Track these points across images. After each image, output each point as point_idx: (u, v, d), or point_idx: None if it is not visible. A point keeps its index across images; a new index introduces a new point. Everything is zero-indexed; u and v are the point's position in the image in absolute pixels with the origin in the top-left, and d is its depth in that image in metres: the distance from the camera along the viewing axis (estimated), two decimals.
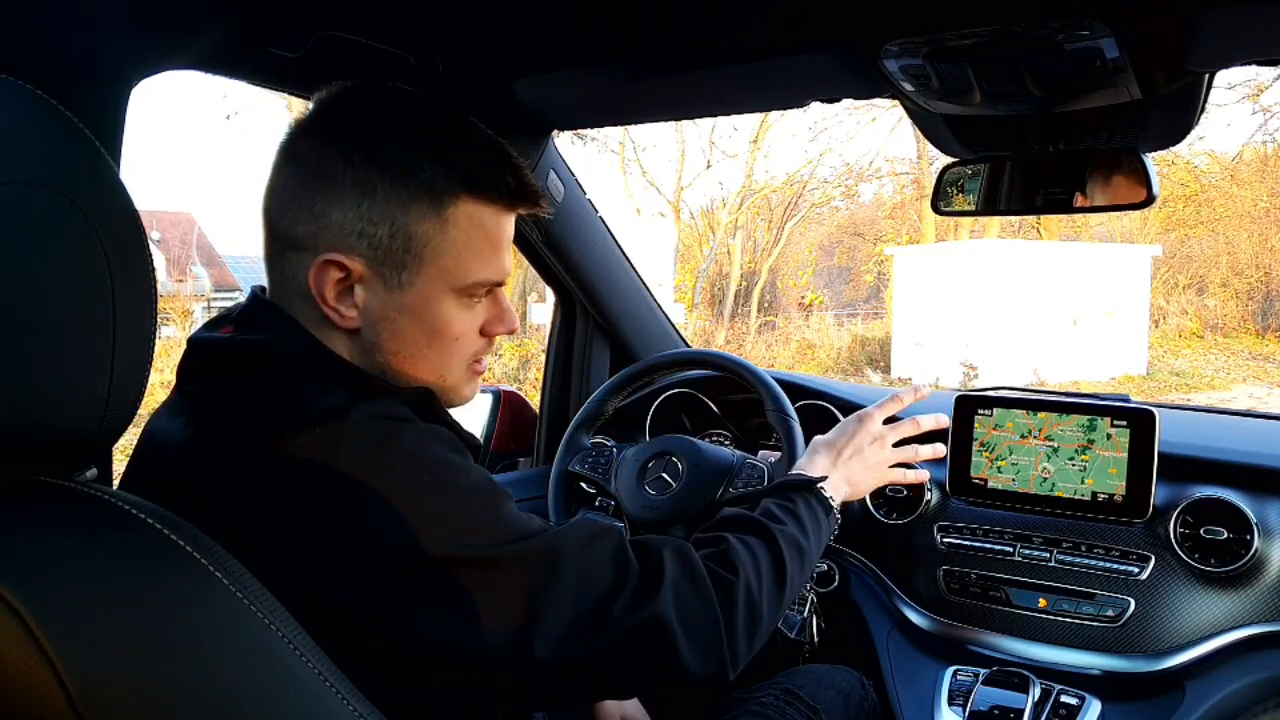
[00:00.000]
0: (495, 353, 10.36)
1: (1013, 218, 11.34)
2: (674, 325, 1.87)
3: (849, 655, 1.35)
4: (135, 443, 0.79)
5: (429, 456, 0.70)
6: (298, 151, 0.75)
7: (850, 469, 1.11)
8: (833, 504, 1.04)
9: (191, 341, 0.77)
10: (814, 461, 1.12)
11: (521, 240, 1.59)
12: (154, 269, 0.60)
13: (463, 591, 0.66)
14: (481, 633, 0.67)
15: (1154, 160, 1.18)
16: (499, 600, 0.68)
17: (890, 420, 1.18)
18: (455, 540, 0.67)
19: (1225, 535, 1.19)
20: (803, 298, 15.54)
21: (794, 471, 1.10)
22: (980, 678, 1.21)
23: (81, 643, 0.49)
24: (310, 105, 0.77)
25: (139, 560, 0.53)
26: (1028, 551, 1.30)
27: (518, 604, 0.68)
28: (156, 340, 0.62)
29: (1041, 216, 10.00)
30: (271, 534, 0.65)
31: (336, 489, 0.66)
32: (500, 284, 0.80)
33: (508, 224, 0.80)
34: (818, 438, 1.17)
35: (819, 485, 1.03)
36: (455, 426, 0.80)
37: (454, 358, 0.79)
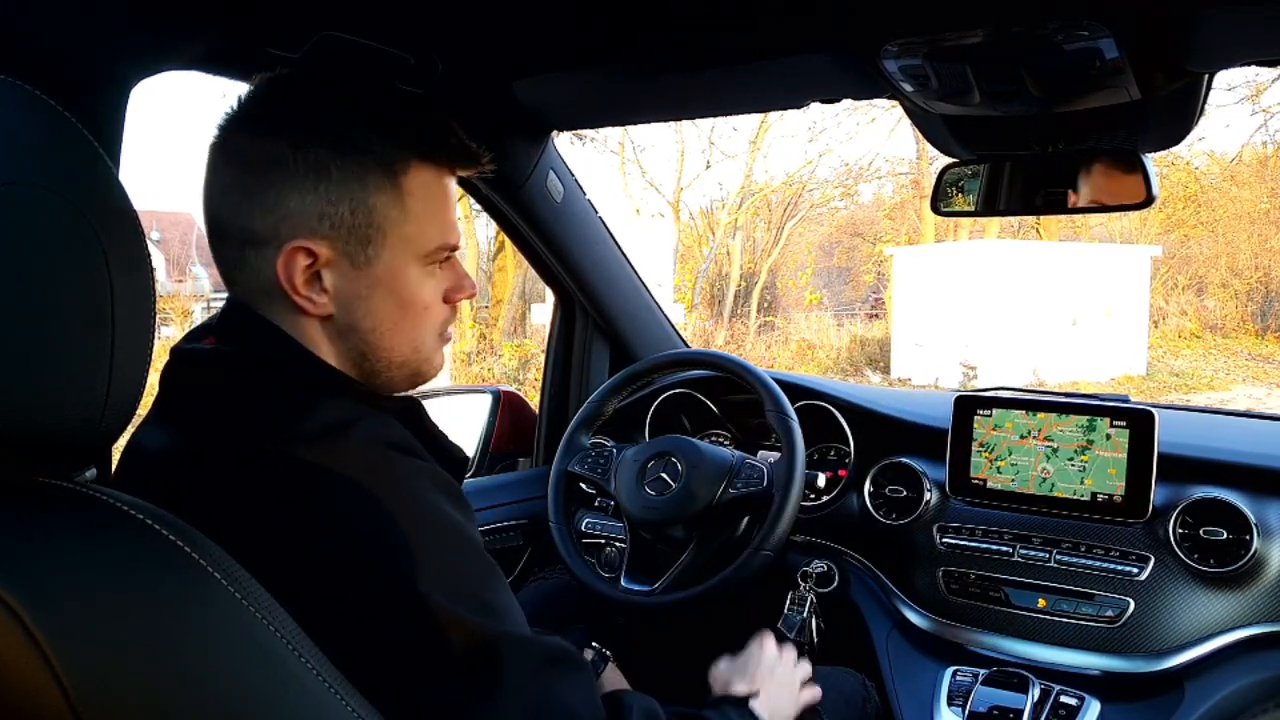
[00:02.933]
0: (495, 352, 10.36)
1: (1012, 218, 11.34)
2: (673, 325, 1.87)
3: (848, 655, 1.35)
4: (123, 450, 0.79)
5: (428, 501, 0.70)
6: (238, 148, 0.74)
7: (768, 692, 1.06)
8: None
9: (175, 352, 0.77)
10: (733, 686, 1.06)
11: (521, 241, 1.60)
12: (153, 269, 0.60)
13: (431, 639, 0.66)
14: (431, 688, 0.66)
15: (1153, 161, 1.18)
16: (457, 666, 0.66)
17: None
18: (444, 589, 0.67)
19: (1224, 536, 1.19)
20: (816, 300, 15.56)
21: (727, 690, 1.05)
22: (979, 678, 1.22)
23: (80, 643, 0.49)
24: (233, 105, 0.76)
25: (137, 560, 0.53)
26: (1027, 552, 1.30)
27: (473, 679, 0.66)
28: (156, 341, 0.62)
29: (1041, 217, 10.01)
30: (260, 544, 0.64)
31: (331, 508, 0.66)
32: (455, 248, 0.81)
33: (453, 186, 0.81)
34: (723, 667, 1.11)
35: (750, 702, 1.00)
36: (443, 439, 0.80)
37: (425, 328, 0.80)
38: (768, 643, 1.13)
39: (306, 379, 0.74)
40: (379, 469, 0.68)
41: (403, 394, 0.82)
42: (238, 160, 0.73)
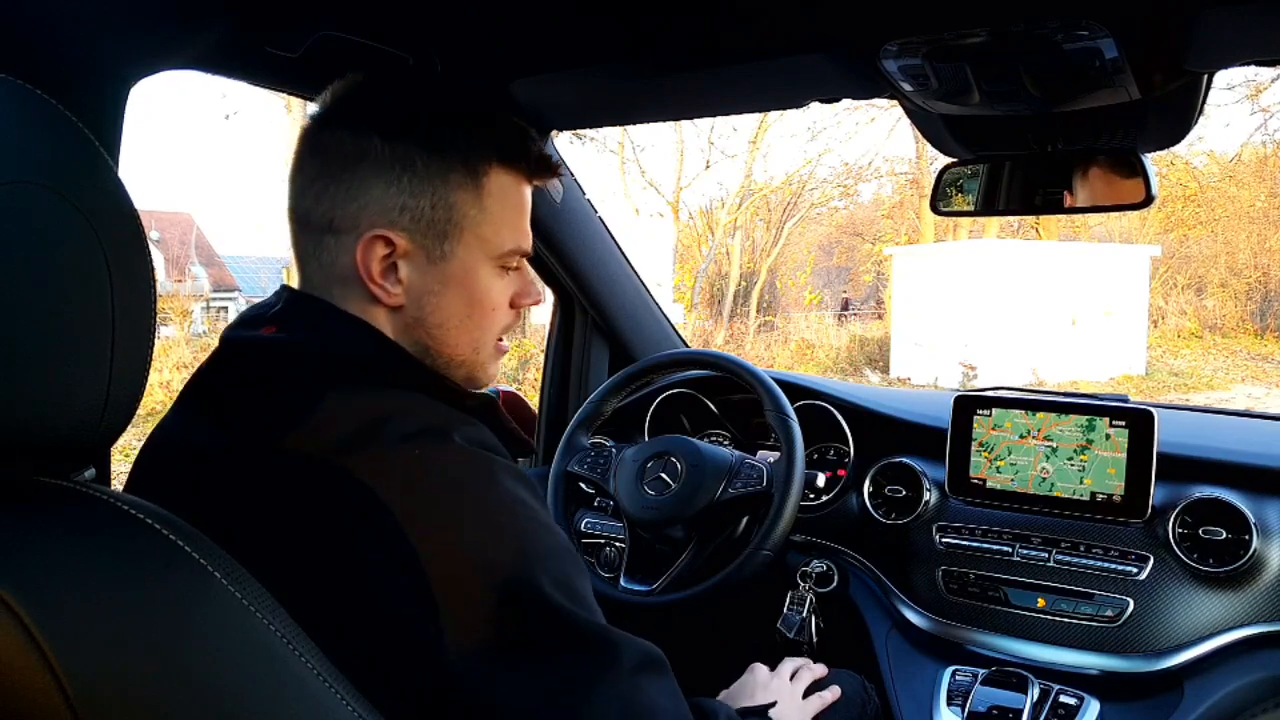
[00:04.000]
0: None
1: (1011, 218, 11.35)
2: (673, 325, 1.88)
3: (848, 655, 1.35)
4: (143, 446, 0.77)
5: (525, 502, 0.70)
6: (324, 141, 0.76)
7: (777, 709, 1.10)
8: None
9: (230, 342, 0.76)
10: (755, 697, 1.11)
11: None
12: (153, 269, 0.59)
13: (529, 641, 0.65)
14: (524, 695, 0.64)
15: (1153, 160, 1.18)
16: (554, 669, 0.65)
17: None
18: (557, 587, 0.66)
19: (1224, 535, 1.19)
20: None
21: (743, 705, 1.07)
22: (979, 678, 1.22)
23: (79, 643, 0.49)
24: (326, 99, 0.78)
25: (137, 560, 0.53)
26: (1026, 551, 1.30)
27: (567, 682, 0.66)
28: (156, 340, 0.62)
29: (1040, 217, 10.01)
30: (336, 545, 0.64)
31: (434, 511, 0.65)
32: (527, 254, 0.83)
33: (529, 194, 0.83)
34: (739, 686, 1.15)
35: (768, 712, 1.03)
36: (518, 433, 0.81)
37: (489, 330, 0.81)
38: (759, 668, 1.17)
39: (393, 375, 0.74)
40: (480, 472, 0.69)
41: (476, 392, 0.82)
42: (326, 152, 0.75)
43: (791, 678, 1.17)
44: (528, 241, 0.82)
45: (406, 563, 0.63)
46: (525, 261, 0.85)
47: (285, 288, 0.80)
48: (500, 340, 0.84)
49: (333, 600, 0.63)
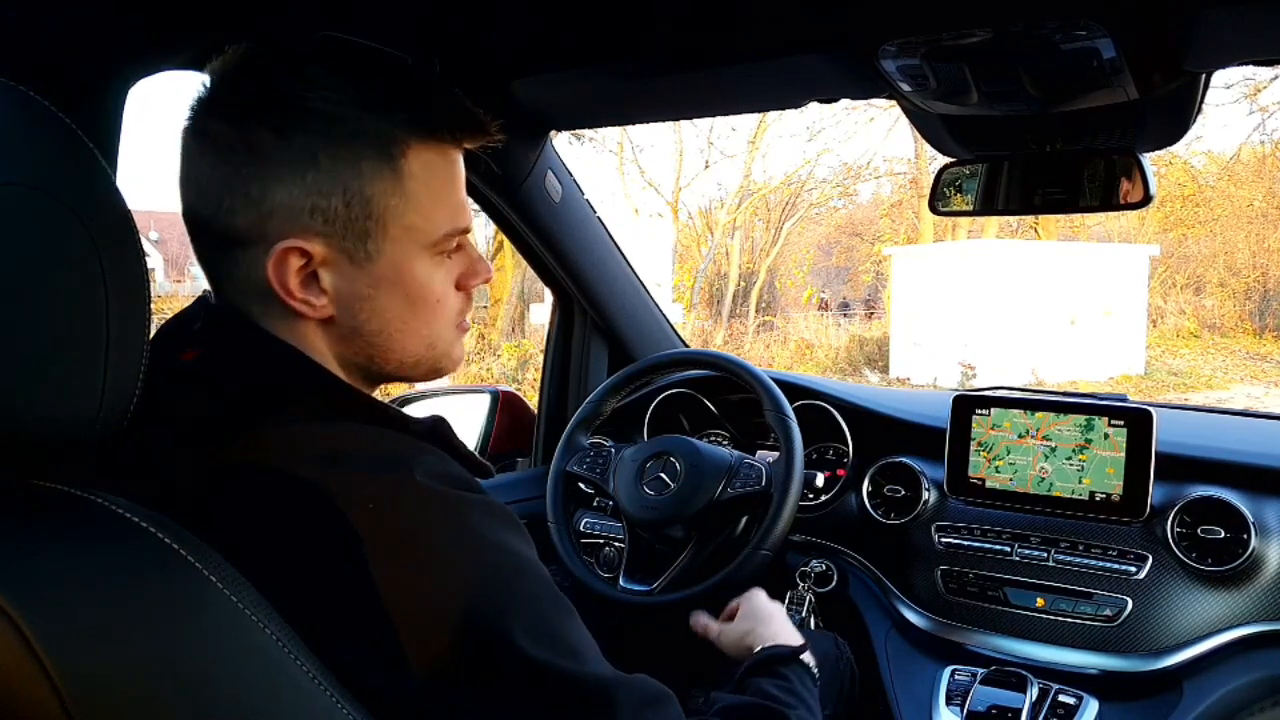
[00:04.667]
0: (494, 352, 10.35)
1: (1010, 218, 11.34)
2: (672, 325, 1.88)
3: None
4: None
5: (499, 540, 0.64)
6: (215, 136, 0.65)
7: (787, 624, 1.11)
8: (814, 671, 1.00)
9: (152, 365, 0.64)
10: (782, 629, 1.08)
11: (520, 241, 1.59)
12: (148, 273, 0.59)
13: (509, 699, 0.60)
14: None
15: (1151, 160, 1.18)
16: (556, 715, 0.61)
17: None
18: (534, 636, 0.61)
19: (1222, 535, 1.19)
20: (822, 300, 15.57)
21: (771, 644, 1.03)
22: (978, 677, 1.22)
23: (74, 646, 0.48)
24: (208, 82, 0.67)
25: (133, 564, 0.53)
26: (1025, 551, 1.30)
27: None
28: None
29: (1039, 216, 10.02)
30: (296, 579, 0.59)
31: (406, 555, 0.60)
32: (466, 231, 0.73)
33: (460, 163, 0.73)
34: (756, 606, 1.14)
35: (800, 655, 0.99)
36: (472, 457, 0.73)
37: (439, 322, 0.73)
38: (758, 594, 1.15)
39: (334, 404, 0.67)
40: (447, 513, 0.62)
41: (425, 411, 0.77)
42: (215, 149, 0.65)
43: None
44: (465, 218, 0.72)
45: (370, 608, 0.58)
46: (467, 238, 0.74)
47: (204, 300, 0.71)
48: (460, 323, 0.76)
49: (311, 619, 0.58)
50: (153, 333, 0.61)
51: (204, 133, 0.66)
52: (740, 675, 0.95)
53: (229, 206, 0.65)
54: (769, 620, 1.09)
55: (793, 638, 1.05)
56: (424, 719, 0.59)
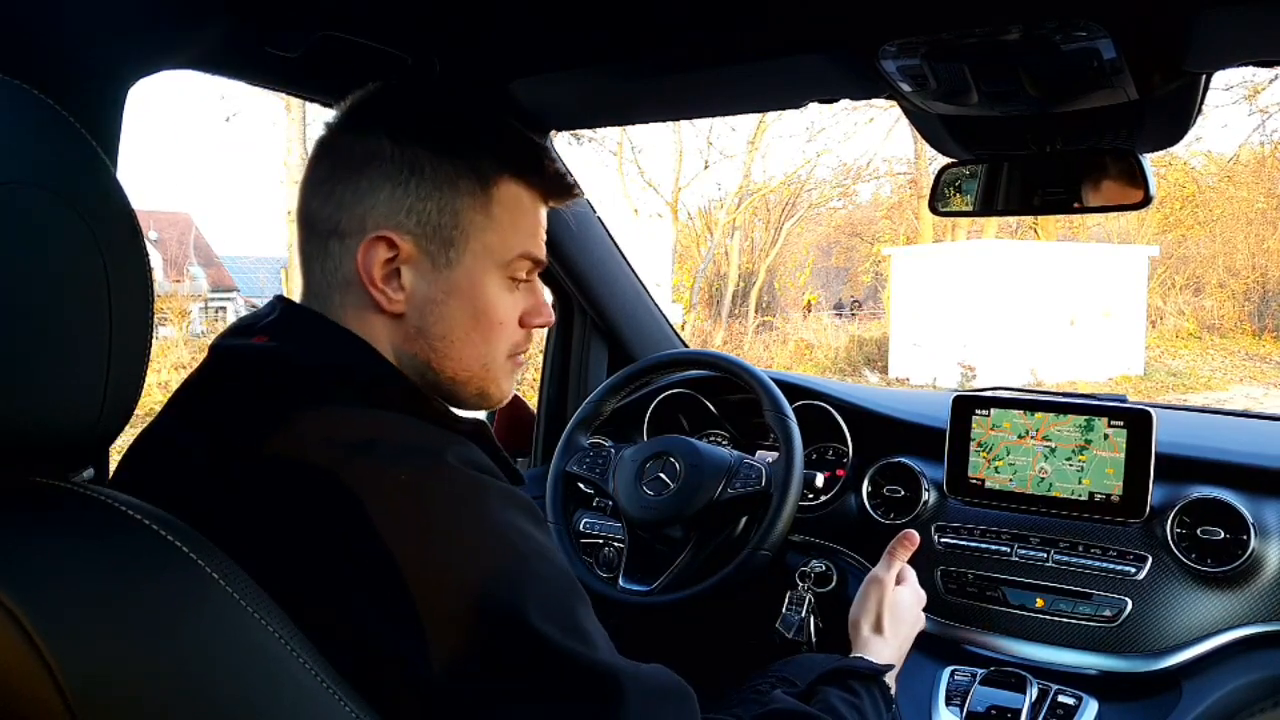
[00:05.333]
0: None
1: (1010, 218, 11.36)
2: (672, 325, 1.88)
3: (846, 654, 1.35)
4: (130, 448, 0.75)
5: (519, 527, 0.67)
6: (337, 146, 0.75)
7: (899, 639, 1.09)
8: (893, 698, 0.98)
9: (219, 350, 0.74)
10: (873, 646, 1.07)
11: None
12: (151, 269, 0.59)
13: (522, 679, 0.62)
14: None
15: (1151, 161, 1.18)
16: (552, 711, 0.62)
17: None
18: (551, 619, 0.63)
19: (1222, 535, 1.19)
20: (808, 303, 15.57)
21: (855, 655, 1.05)
22: (978, 678, 1.22)
23: (78, 644, 0.48)
24: (344, 106, 0.78)
25: (136, 561, 0.53)
26: (1025, 552, 1.30)
27: (584, 715, 0.63)
28: (154, 341, 0.62)
29: (1039, 217, 10.02)
30: (319, 564, 0.61)
31: (425, 535, 0.62)
32: (540, 264, 0.81)
33: (544, 213, 0.81)
34: (855, 615, 1.12)
35: (883, 678, 0.98)
36: (510, 462, 0.76)
37: (497, 345, 0.78)
38: (886, 580, 1.12)
39: (385, 393, 0.71)
40: (470, 496, 0.66)
41: (470, 415, 0.78)
42: (337, 156, 0.75)
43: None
44: (539, 249, 0.80)
45: (392, 584, 0.60)
46: (538, 280, 0.83)
47: (279, 298, 0.78)
48: (515, 356, 0.81)
49: (314, 612, 0.60)
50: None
51: (330, 144, 0.76)
52: (813, 681, 0.95)
53: (337, 201, 0.73)
54: (894, 624, 1.09)
55: (890, 655, 1.05)
56: (436, 701, 0.60)
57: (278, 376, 0.70)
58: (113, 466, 0.87)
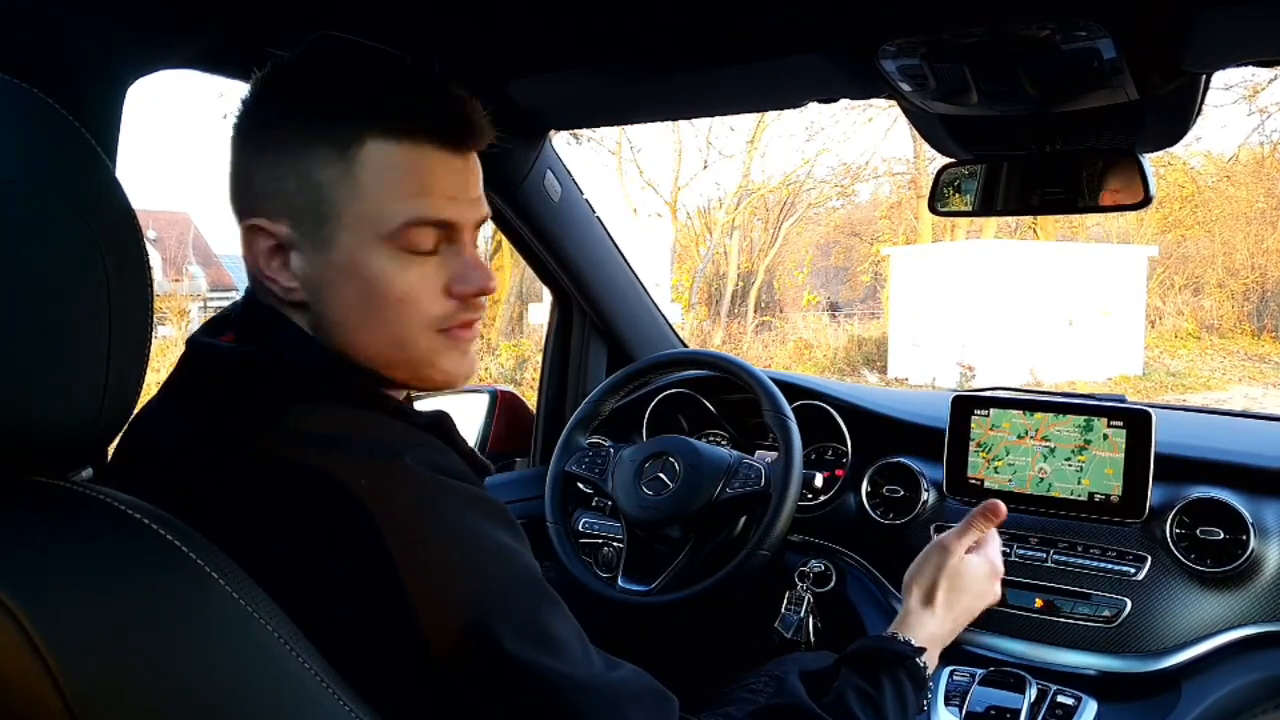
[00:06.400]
0: (492, 352, 10.32)
1: (1009, 218, 11.36)
2: (671, 325, 1.88)
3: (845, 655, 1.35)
4: (118, 442, 0.73)
5: (483, 532, 0.65)
6: (239, 133, 0.71)
7: (955, 611, 1.00)
8: (927, 677, 0.92)
9: (191, 344, 0.72)
10: (917, 619, 0.99)
11: (519, 240, 1.59)
12: (150, 268, 0.59)
13: (497, 681, 0.61)
14: None
15: (1151, 161, 1.18)
16: (527, 714, 0.62)
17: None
18: (521, 634, 0.62)
19: (1221, 536, 1.19)
20: (814, 300, 15.60)
21: (892, 631, 0.97)
22: (976, 678, 1.21)
23: (77, 644, 0.48)
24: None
25: (135, 561, 0.53)
26: (1024, 552, 1.30)
27: None
28: (153, 340, 0.62)
29: (1038, 217, 10.02)
30: (285, 558, 0.61)
31: (387, 541, 0.61)
32: (442, 224, 0.70)
33: (437, 161, 0.69)
34: (908, 580, 1.04)
35: (917, 659, 0.91)
36: (474, 455, 0.73)
37: (406, 323, 0.70)
38: (956, 547, 1.03)
39: (337, 388, 0.68)
40: (428, 500, 0.63)
41: (425, 405, 0.76)
42: (231, 143, 0.72)
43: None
44: (431, 210, 0.69)
45: (359, 587, 0.60)
46: (467, 241, 0.72)
47: (248, 292, 0.75)
48: (450, 330, 0.73)
49: (310, 603, 0.60)
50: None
51: (235, 133, 0.72)
52: (843, 656, 0.91)
53: (231, 193, 0.71)
54: (951, 594, 1.00)
55: (935, 629, 0.97)
56: (412, 706, 0.60)
57: (244, 376, 0.68)
58: None
